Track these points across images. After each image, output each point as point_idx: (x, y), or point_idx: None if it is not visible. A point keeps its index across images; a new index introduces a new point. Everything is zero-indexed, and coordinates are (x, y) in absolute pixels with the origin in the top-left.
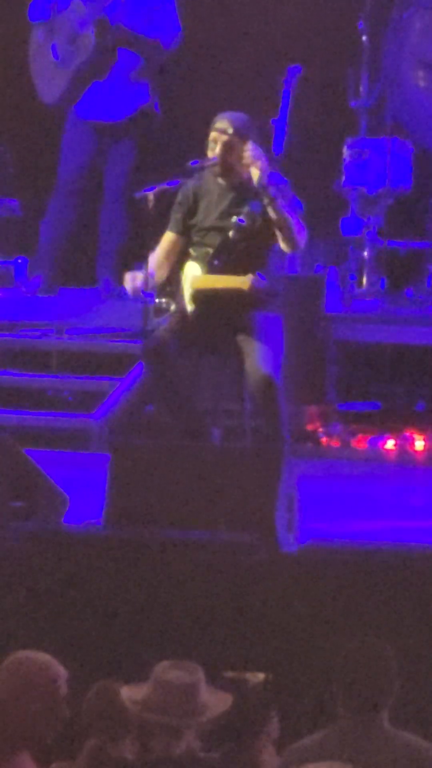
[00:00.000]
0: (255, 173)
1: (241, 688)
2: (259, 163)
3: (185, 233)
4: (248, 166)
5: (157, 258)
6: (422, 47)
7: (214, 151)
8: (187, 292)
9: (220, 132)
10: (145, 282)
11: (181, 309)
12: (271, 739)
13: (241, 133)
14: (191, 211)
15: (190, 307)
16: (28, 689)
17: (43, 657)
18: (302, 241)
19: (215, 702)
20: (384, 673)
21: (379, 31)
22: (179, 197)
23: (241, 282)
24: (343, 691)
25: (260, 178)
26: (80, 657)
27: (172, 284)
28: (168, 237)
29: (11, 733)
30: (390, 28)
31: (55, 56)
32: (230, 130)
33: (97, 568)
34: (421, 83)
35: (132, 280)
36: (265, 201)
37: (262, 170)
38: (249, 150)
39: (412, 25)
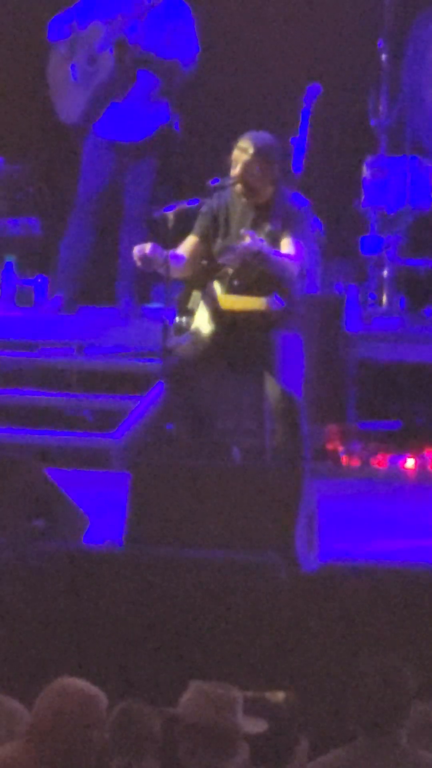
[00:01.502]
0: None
1: (272, 711)
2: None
3: (206, 241)
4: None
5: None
6: None
7: (235, 170)
8: (207, 312)
9: (241, 151)
10: (155, 252)
11: (201, 329)
12: (300, 762)
13: (262, 153)
14: (214, 222)
15: (210, 327)
16: (69, 716)
17: (84, 684)
18: (296, 270)
19: (250, 725)
20: (400, 691)
21: (399, 50)
22: (204, 208)
23: (258, 303)
24: (360, 709)
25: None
26: (101, 677)
27: (191, 303)
28: (190, 239)
29: (51, 759)
30: (409, 47)
31: (74, 76)
32: (251, 150)
33: (117, 588)
34: None
35: (139, 251)
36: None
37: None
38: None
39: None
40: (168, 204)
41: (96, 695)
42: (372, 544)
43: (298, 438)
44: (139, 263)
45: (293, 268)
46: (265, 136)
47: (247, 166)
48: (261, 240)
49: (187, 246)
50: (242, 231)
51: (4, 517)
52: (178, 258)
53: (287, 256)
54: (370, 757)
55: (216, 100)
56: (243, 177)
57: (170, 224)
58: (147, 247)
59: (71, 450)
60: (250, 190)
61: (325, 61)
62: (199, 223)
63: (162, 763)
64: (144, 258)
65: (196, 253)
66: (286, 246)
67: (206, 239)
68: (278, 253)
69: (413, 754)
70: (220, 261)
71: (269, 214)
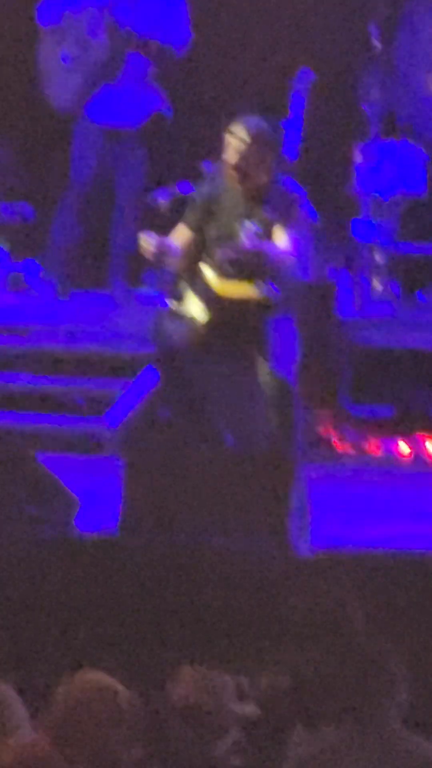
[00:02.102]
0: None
1: (266, 696)
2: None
3: (197, 231)
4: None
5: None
6: None
7: (228, 154)
8: (201, 298)
9: (235, 137)
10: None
11: (194, 314)
12: (294, 744)
13: (256, 139)
14: (206, 213)
15: (204, 313)
16: (84, 712)
17: (106, 678)
18: (290, 262)
19: (242, 709)
20: (390, 675)
21: (392, 34)
22: (195, 195)
23: (251, 290)
24: (350, 694)
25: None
26: (94, 662)
27: (184, 288)
28: (180, 228)
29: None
30: (402, 32)
31: (66, 61)
32: (245, 135)
33: (110, 574)
34: None
35: (158, 246)
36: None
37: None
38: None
39: (424, 29)
40: (160, 189)
41: (116, 688)
42: (365, 529)
43: (291, 424)
44: (151, 257)
45: (287, 259)
46: (258, 120)
47: (241, 152)
48: (258, 229)
49: (180, 238)
50: (245, 223)
51: None
52: (174, 250)
53: (284, 251)
54: (359, 741)
55: (208, 85)
56: (237, 164)
57: (162, 209)
58: (155, 242)
59: (63, 435)
60: (244, 177)
61: (316, 45)
62: (191, 213)
63: (148, 747)
64: (158, 253)
65: (190, 246)
66: (281, 237)
67: (199, 230)
68: (273, 247)
69: (403, 739)
70: (220, 256)
71: (264, 200)
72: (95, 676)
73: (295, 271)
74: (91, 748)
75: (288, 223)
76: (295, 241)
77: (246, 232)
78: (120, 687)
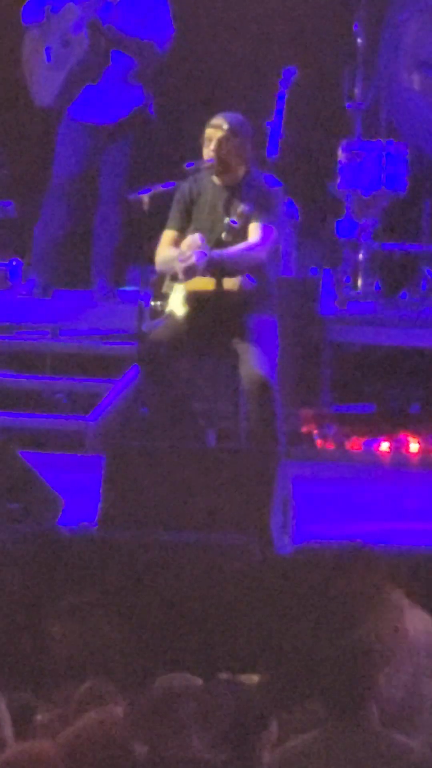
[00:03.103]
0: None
1: (239, 691)
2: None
3: (185, 230)
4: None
5: (164, 255)
6: (417, 49)
7: (209, 148)
8: (180, 294)
9: (215, 128)
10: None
11: (175, 311)
12: (270, 743)
13: (235, 131)
14: (188, 210)
15: (182, 309)
16: (107, 745)
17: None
18: (264, 255)
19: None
20: (371, 673)
21: (375, 33)
22: (177, 195)
23: (231, 284)
24: (330, 691)
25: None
26: (73, 659)
27: (166, 286)
28: (169, 234)
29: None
30: (385, 30)
31: (49, 58)
32: (225, 126)
33: (91, 570)
34: (417, 86)
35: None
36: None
37: (196, 266)
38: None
39: (408, 27)
40: (143, 187)
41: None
42: (346, 526)
43: (272, 421)
44: (183, 274)
45: (258, 256)
46: (237, 115)
47: (221, 142)
48: (235, 223)
49: (168, 241)
50: (224, 219)
51: None
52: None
53: (250, 246)
54: (341, 740)
55: (191, 83)
56: (217, 153)
57: (145, 207)
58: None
59: (46, 433)
60: (223, 168)
61: (300, 44)
62: (173, 214)
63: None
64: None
65: (178, 246)
66: (253, 231)
67: (184, 229)
68: (233, 251)
69: (386, 737)
70: (182, 280)
71: (241, 194)
72: (110, 715)
73: (273, 260)
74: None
75: (264, 217)
76: (267, 231)
77: (225, 227)
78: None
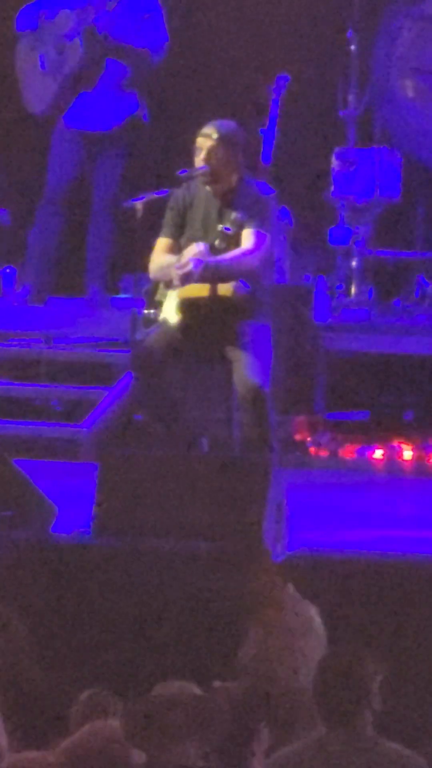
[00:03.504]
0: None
1: (232, 698)
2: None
3: (178, 238)
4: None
5: (159, 262)
6: (411, 57)
7: (199, 156)
8: (172, 301)
9: (205, 137)
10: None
11: (168, 318)
12: (261, 749)
13: (226, 139)
14: (182, 217)
15: (175, 316)
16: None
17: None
18: (257, 262)
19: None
20: (364, 681)
21: (368, 40)
22: (170, 203)
23: (225, 289)
24: (323, 699)
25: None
26: (68, 666)
27: (159, 294)
28: (164, 242)
29: None
30: (379, 38)
31: (43, 66)
32: (215, 135)
33: (85, 578)
34: (410, 93)
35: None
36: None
37: (189, 273)
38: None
39: (401, 34)
40: (137, 194)
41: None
42: (339, 534)
43: (265, 428)
44: (179, 281)
45: (250, 262)
46: (227, 123)
47: (211, 151)
48: (228, 230)
49: (163, 249)
50: (216, 227)
51: None
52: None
53: (244, 251)
54: (334, 748)
55: (185, 91)
56: (207, 162)
57: (139, 214)
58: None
59: (40, 440)
60: (215, 177)
61: (294, 51)
62: (167, 222)
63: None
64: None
65: (174, 254)
66: (246, 238)
67: (177, 237)
68: (227, 258)
69: (378, 745)
70: (177, 286)
71: (234, 202)
72: (109, 727)
73: (266, 267)
74: None
75: (257, 224)
76: (259, 238)
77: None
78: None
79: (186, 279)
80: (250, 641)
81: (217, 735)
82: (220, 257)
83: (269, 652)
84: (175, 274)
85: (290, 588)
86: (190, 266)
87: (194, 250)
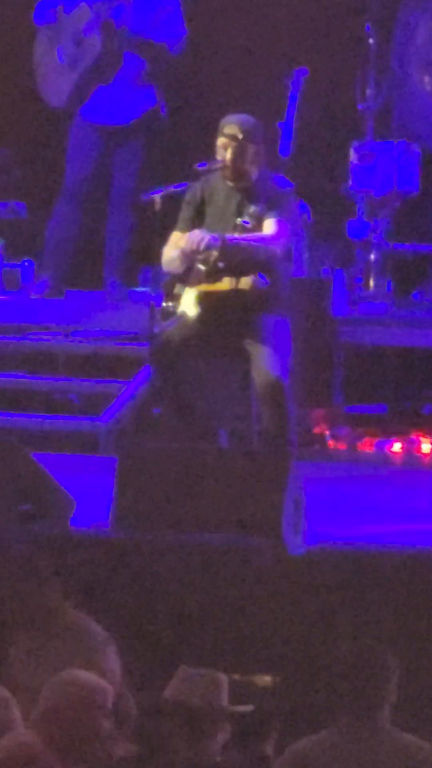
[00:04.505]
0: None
1: (252, 692)
2: (203, 242)
3: (192, 228)
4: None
5: (170, 255)
6: (429, 50)
7: (224, 156)
8: (190, 294)
9: (229, 138)
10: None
11: (187, 312)
12: (273, 741)
13: (249, 137)
14: (199, 212)
15: (194, 310)
16: (76, 706)
17: (90, 676)
18: (278, 249)
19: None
20: (383, 674)
21: (387, 34)
22: (187, 197)
23: (244, 283)
24: (341, 692)
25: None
26: None
27: (177, 287)
28: (177, 235)
29: (58, 747)
30: (397, 31)
31: (61, 59)
32: (240, 135)
33: (103, 571)
34: (428, 86)
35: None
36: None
37: (209, 245)
38: (198, 241)
39: (419, 28)
40: (155, 188)
41: (102, 686)
42: (358, 527)
43: (284, 421)
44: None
45: (273, 248)
46: (248, 119)
47: (236, 151)
48: (248, 224)
49: (176, 242)
50: (236, 220)
51: None
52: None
53: (265, 237)
54: (352, 739)
55: (203, 84)
56: (233, 162)
57: (157, 207)
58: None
59: (58, 434)
60: (235, 171)
61: (312, 44)
62: (183, 216)
63: (141, 746)
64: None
65: None
66: (268, 226)
67: (193, 225)
68: (251, 237)
69: (395, 737)
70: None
71: (253, 195)
72: (80, 673)
73: (285, 259)
74: (77, 743)
75: (277, 214)
76: (281, 226)
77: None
78: (104, 683)
79: (205, 260)
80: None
81: (237, 728)
82: (240, 236)
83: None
84: (197, 257)
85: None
86: (208, 238)
87: (194, 236)
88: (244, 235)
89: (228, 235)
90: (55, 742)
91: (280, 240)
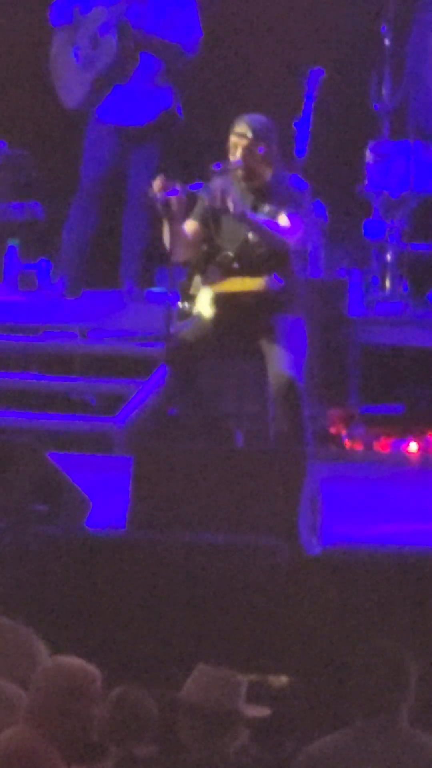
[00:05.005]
0: (230, 205)
1: (268, 693)
2: (229, 199)
3: (206, 225)
4: (264, 173)
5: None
6: None
7: (234, 155)
8: (208, 295)
9: (239, 137)
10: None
11: (202, 312)
12: (289, 741)
13: (260, 136)
14: (214, 213)
15: (210, 310)
16: (64, 695)
17: (76, 661)
18: (291, 241)
19: (253, 710)
20: (400, 674)
21: (402, 33)
22: (203, 193)
23: (258, 283)
24: (359, 692)
25: (234, 211)
26: (102, 661)
27: (193, 287)
28: (190, 223)
29: (51, 737)
30: (413, 31)
31: (77, 60)
32: (249, 134)
33: (119, 572)
34: None
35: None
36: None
37: (233, 204)
38: (219, 190)
39: None
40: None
41: (89, 671)
42: (374, 527)
43: (299, 421)
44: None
45: (286, 239)
46: (259, 118)
47: (248, 150)
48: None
49: (188, 229)
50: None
51: (6, 501)
52: (184, 234)
53: (279, 226)
54: (370, 739)
55: (219, 85)
56: (245, 161)
57: (174, 208)
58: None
59: (74, 434)
60: (251, 174)
61: (328, 44)
62: (199, 207)
63: (161, 747)
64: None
65: (197, 237)
66: (282, 221)
67: (206, 223)
68: (268, 222)
69: (413, 737)
70: (207, 205)
71: (268, 196)
72: (65, 660)
73: (300, 258)
74: (69, 728)
75: (291, 210)
76: (295, 221)
77: None
78: (91, 667)
79: (231, 203)
80: None
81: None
82: (257, 216)
83: None
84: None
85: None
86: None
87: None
88: (259, 216)
89: (246, 211)
90: (46, 733)
91: (295, 233)
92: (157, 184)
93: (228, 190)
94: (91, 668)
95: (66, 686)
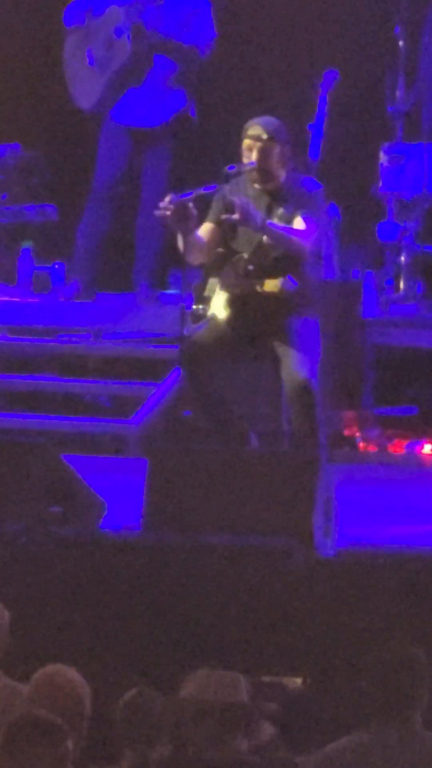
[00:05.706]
0: (251, 224)
1: (289, 697)
2: (250, 215)
3: (221, 227)
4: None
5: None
6: None
7: (248, 158)
8: (222, 297)
9: (254, 139)
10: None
11: (217, 314)
12: (302, 743)
13: (274, 138)
14: (228, 211)
15: (224, 312)
16: (55, 703)
17: (71, 673)
18: (308, 245)
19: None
20: (415, 676)
21: (416, 35)
22: (218, 195)
23: (273, 285)
24: (374, 694)
25: (255, 227)
26: (116, 663)
27: (207, 289)
28: (205, 225)
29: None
30: (426, 33)
31: (91, 62)
32: (264, 136)
33: (134, 574)
34: None
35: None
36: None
37: (254, 221)
38: (239, 207)
39: None
40: (185, 190)
41: (79, 684)
42: (389, 529)
43: (314, 423)
44: (168, 212)
45: (303, 243)
46: (272, 120)
47: (262, 152)
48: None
49: (203, 232)
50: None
51: (22, 503)
52: (198, 239)
53: (296, 231)
54: (385, 741)
55: (233, 87)
56: (260, 163)
57: (185, 219)
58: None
59: (89, 436)
60: (265, 176)
61: (342, 46)
62: (214, 209)
63: (174, 748)
64: (178, 207)
65: (212, 239)
66: (297, 224)
67: (221, 225)
68: (284, 228)
69: (428, 739)
70: (223, 218)
71: (282, 198)
72: (60, 669)
73: (315, 260)
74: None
75: (306, 213)
76: (310, 224)
77: None
78: (81, 680)
79: (251, 216)
80: None
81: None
82: (275, 224)
83: None
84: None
85: None
86: (253, 209)
87: (245, 200)
88: (276, 224)
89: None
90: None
91: (310, 237)
92: (165, 203)
93: (246, 205)
94: (81, 682)
95: (54, 696)
